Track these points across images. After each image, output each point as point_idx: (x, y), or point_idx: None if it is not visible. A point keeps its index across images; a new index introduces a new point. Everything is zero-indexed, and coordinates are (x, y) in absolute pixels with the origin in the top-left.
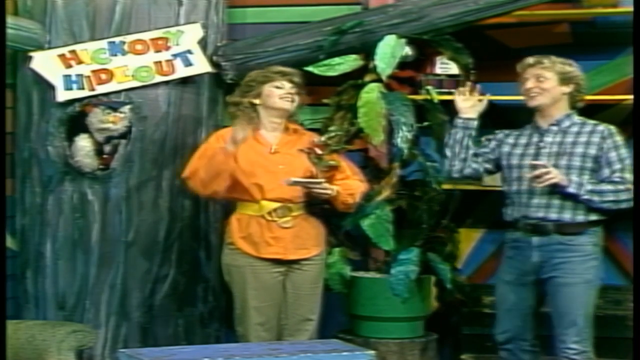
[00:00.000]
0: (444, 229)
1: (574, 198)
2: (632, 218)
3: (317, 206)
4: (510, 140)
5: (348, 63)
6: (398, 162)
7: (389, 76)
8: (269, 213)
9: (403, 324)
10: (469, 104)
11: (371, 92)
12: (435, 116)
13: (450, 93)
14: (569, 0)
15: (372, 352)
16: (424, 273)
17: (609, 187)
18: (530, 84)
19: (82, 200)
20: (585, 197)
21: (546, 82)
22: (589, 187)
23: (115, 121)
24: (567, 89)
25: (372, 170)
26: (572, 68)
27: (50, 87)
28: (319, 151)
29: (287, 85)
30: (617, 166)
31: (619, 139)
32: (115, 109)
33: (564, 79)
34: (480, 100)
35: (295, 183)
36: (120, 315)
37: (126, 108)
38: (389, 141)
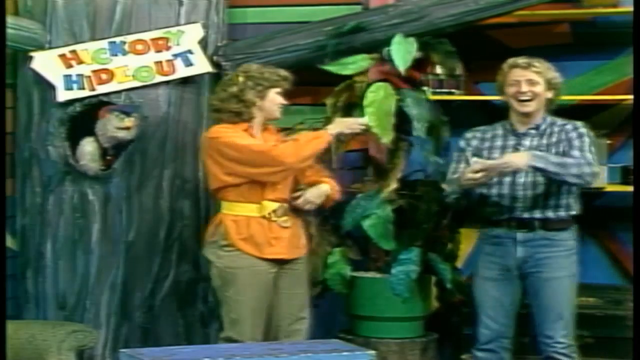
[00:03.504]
0: (445, 229)
1: (541, 172)
2: (632, 218)
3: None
4: (487, 144)
5: (359, 63)
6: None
7: (397, 75)
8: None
9: (403, 324)
10: None
11: (378, 91)
12: (434, 116)
13: (450, 93)
14: (569, 0)
15: (373, 352)
16: (425, 273)
17: (571, 160)
18: (524, 87)
19: (82, 200)
20: (552, 169)
21: (537, 86)
22: (554, 159)
23: (130, 126)
24: (551, 94)
25: (372, 169)
26: (557, 74)
27: (51, 87)
28: None
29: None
30: (577, 144)
31: (583, 130)
32: (128, 114)
33: (550, 85)
34: None
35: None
36: (120, 315)
37: (137, 114)
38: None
